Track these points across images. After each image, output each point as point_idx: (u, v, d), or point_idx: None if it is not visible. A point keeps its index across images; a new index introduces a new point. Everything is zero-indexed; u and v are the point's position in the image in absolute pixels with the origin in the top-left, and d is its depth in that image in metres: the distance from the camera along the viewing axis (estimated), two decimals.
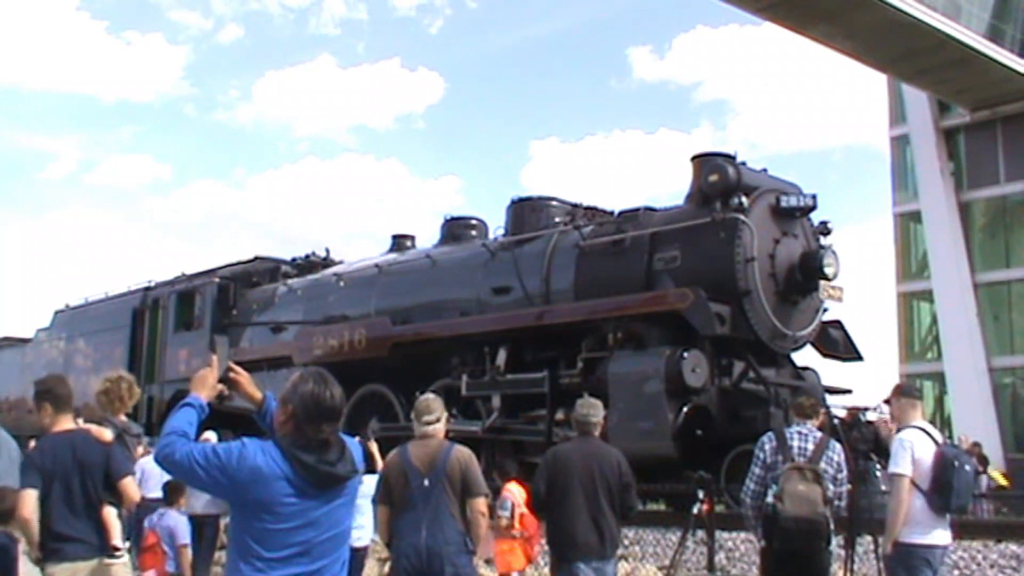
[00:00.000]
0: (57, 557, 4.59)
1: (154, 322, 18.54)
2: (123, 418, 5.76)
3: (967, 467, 5.57)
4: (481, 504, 5.16)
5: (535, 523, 7.96)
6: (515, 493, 7.96)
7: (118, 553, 4.66)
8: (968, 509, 7.24)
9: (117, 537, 4.67)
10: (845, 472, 5.52)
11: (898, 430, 5.66)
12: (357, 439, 3.45)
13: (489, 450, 11.73)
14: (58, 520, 4.59)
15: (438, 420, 5.30)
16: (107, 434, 4.88)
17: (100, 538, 4.65)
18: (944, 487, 5.34)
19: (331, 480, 3.05)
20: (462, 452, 5.20)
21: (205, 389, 3.32)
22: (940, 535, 5.47)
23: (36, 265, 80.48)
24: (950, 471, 5.37)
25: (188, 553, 6.89)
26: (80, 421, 5.13)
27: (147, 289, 19.14)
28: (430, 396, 5.52)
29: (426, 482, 5.06)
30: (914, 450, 5.41)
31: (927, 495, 5.38)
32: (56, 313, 22.41)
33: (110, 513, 4.67)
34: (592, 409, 5.84)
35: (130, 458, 5.41)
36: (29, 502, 4.56)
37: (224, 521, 8.43)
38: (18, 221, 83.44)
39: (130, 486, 4.76)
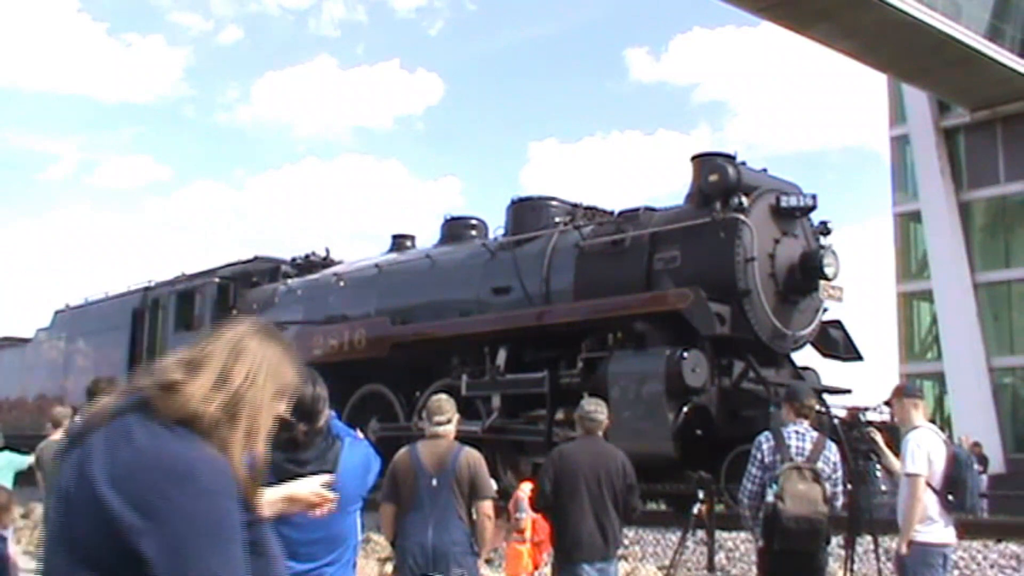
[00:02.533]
0: None
1: (154, 322, 18.52)
2: None
3: (975, 467, 5.63)
4: (488, 507, 5.15)
5: (547, 528, 7.93)
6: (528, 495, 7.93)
7: None
8: (976, 509, 7.28)
9: None
10: (840, 472, 5.53)
11: (906, 431, 5.66)
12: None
13: (489, 450, 11.72)
14: None
15: (449, 421, 5.29)
16: None
17: None
18: (960, 487, 5.39)
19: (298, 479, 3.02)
20: (472, 454, 5.20)
21: None
22: (951, 533, 5.53)
23: (36, 265, 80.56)
24: (965, 471, 5.43)
25: None
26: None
27: (147, 289, 19.12)
28: (443, 397, 5.50)
29: (434, 482, 5.06)
30: (929, 450, 5.44)
31: (939, 494, 5.41)
32: (56, 313, 22.40)
33: None
34: (599, 407, 5.83)
35: None
36: None
37: None
38: (18, 221, 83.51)
39: None
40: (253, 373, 1.67)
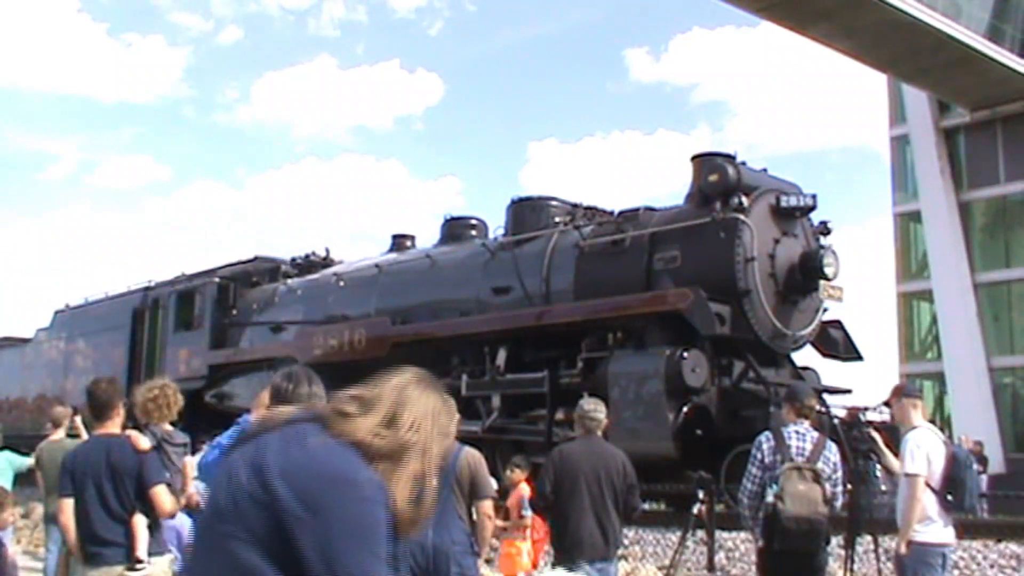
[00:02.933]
0: (96, 561, 4.59)
1: (154, 322, 18.53)
2: (167, 427, 5.74)
3: (974, 467, 5.63)
4: (488, 507, 5.16)
5: (544, 525, 7.93)
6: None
7: (140, 566, 4.61)
8: (976, 508, 7.29)
9: (142, 548, 4.64)
10: (840, 472, 5.53)
11: (905, 431, 5.66)
12: None
13: (489, 450, 11.72)
14: (98, 524, 4.61)
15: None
16: (144, 442, 4.86)
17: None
18: (959, 487, 5.40)
19: None
20: (472, 454, 5.20)
21: (260, 409, 3.37)
22: (950, 533, 5.53)
23: (36, 265, 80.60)
24: (964, 471, 5.43)
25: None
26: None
27: (147, 289, 19.13)
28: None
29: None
30: (928, 451, 5.44)
31: (938, 494, 5.41)
32: (56, 313, 22.40)
33: (138, 522, 4.65)
34: (597, 406, 5.84)
35: (169, 467, 5.39)
36: (65, 510, 4.69)
37: None
38: (18, 221, 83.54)
39: (160, 495, 4.70)
40: (418, 421, 1.88)
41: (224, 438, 3.25)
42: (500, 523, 7.18)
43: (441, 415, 1.94)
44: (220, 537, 1.71)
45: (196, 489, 7.61)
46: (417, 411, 1.89)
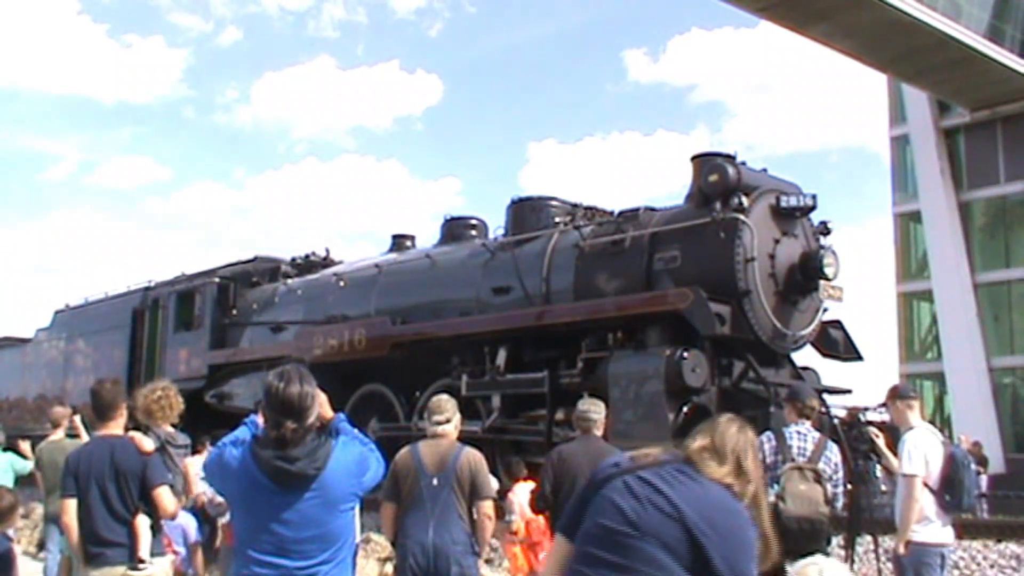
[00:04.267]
0: (98, 562, 4.59)
1: (154, 322, 18.51)
2: (169, 428, 5.76)
3: (972, 467, 5.64)
4: (488, 507, 5.16)
5: (540, 529, 7.89)
6: (521, 496, 7.92)
7: (142, 566, 4.62)
8: (974, 508, 7.29)
9: (144, 549, 4.64)
10: (841, 473, 5.53)
11: (900, 432, 5.67)
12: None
13: (489, 450, 11.71)
14: (101, 525, 4.61)
15: (448, 421, 5.30)
16: (148, 443, 4.87)
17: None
18: (957, 486, 5.41)
19: (286, 477, 3.01)
20: (472, 454, 5.21)
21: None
22: (948, 533, 5.54)
23: (36, 265, 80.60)
24: (962, 471, 5.44)
25: (200, 551, 6.94)
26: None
27: (147, 289, 19.10)
28: (443, 397, 5.53)
29: (435, 481, 5.07)
30: (926, 451, 5.45)
31: (936, 494, 5.42)
32: (56, 313, 22.38)
33: (141, 523, 4.66)
34: (594, 407, 5.85)
35: (171, 468, 5.41)
36: (68, 510, 4.69)
37: (222, 521, 8.44)
38: (19, 222, 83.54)
39: (164, 496, 4.72)
40: (754, 468, 2.42)
41: (230, 438, 3.24)
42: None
43: (758, 452, 2.49)
44: (633, 539, 2.25)
45: (204, 490, 7.63)
46: (752, 458, 2.44)
